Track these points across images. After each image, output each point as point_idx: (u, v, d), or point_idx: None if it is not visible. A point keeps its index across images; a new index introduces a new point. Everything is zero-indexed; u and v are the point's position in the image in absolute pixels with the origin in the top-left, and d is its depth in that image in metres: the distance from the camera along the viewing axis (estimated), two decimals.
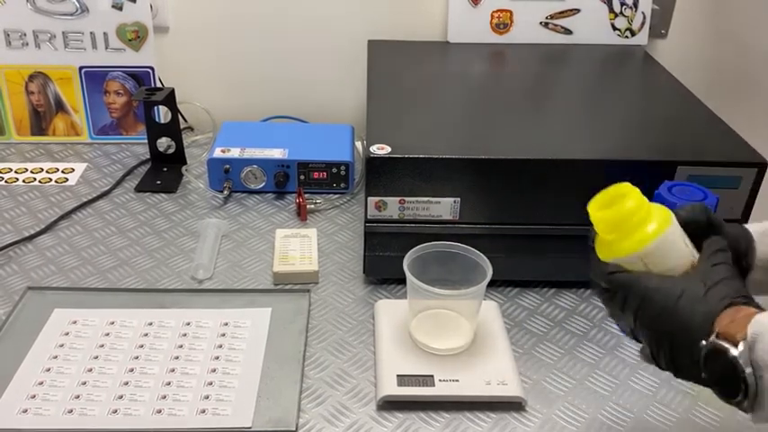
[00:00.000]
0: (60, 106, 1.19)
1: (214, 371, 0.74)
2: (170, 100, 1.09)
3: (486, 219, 0.84)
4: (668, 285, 0.52)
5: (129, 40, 1.14)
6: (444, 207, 0.83)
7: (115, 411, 0.69)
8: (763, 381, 0.46)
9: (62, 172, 1.12)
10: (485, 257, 0.76)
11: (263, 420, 0.69)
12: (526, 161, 0.81)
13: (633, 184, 0.80)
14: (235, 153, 1.06)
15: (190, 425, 0.68)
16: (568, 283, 0.90)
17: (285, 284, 0.89)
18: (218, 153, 1.06)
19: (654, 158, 0.82)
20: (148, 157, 1.14)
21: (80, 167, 1.14)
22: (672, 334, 0.51)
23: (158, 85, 1.18)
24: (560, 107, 0.97)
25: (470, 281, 0.75)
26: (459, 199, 0.83)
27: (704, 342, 0.49)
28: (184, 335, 0.79)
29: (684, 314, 0.50)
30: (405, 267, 0.74)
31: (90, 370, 0.74)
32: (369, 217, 0.84)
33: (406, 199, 0.83)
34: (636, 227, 0.54)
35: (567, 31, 1.22)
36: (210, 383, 0.73)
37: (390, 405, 0.72)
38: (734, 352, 0.47)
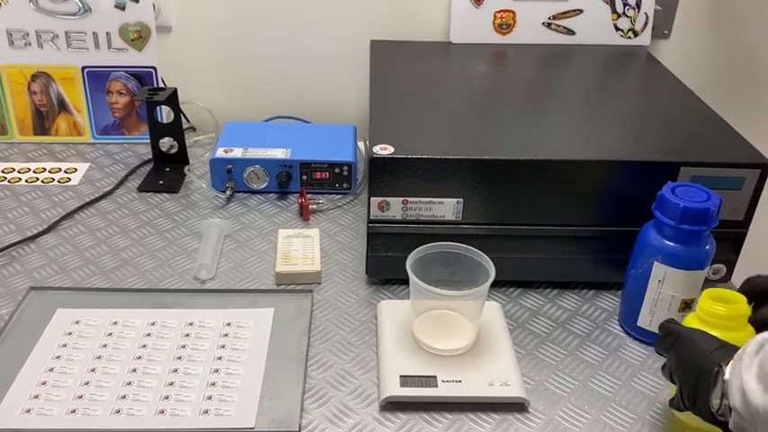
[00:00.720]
0: (63, 106, 1.19)
1: (217, 371, 0.74)
2: (172, 100, 1.09)
3: (488, 219, 0.84)
4: (712, 339, 0.62)
5: (132, 40, 1.14)
6: (447, 207, 0.83)
7: (118, 411, 0.69)
8: (731, 385, 0.54)
9: (65, 172, 1.12)
10: (488, 258, 0.76)
11: (265, 421, 0.69)
12: (529, 162, 0.81)
13: (637, 184, 0.81)
14: (237, 153, 1.06)
15: (192, 425, 0.68)
16: (571, 284, 0.90)
17: (288, 285, 0.89)
18: (220, 153, 1.06)
19: (657, 159, 0.82)
20: (151, 157, 1.15)
21: (83, 167, 1.14)
22: (700, 371, 0.59)
23: (161, 85, 1.18)
24: (563, 108, 0.97)
25: (473, 281, 0.75)
26: (461, 199, 0.83)
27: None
28: (187, 335, 0.79)
29: (716, 359, 0.58)
30: (408, 268, 0.74)
31: (93, 370, 0.74)
32: (372, 217, 0.84)
33: (409, 199, 0.83)
34: (717, 327, 0.66)
35: (570, 32, 1.22)
36: (213, 384, 0.73)
37: (393, 406, 0.72)
38: (723, 366, 0.56)
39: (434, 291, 0.72)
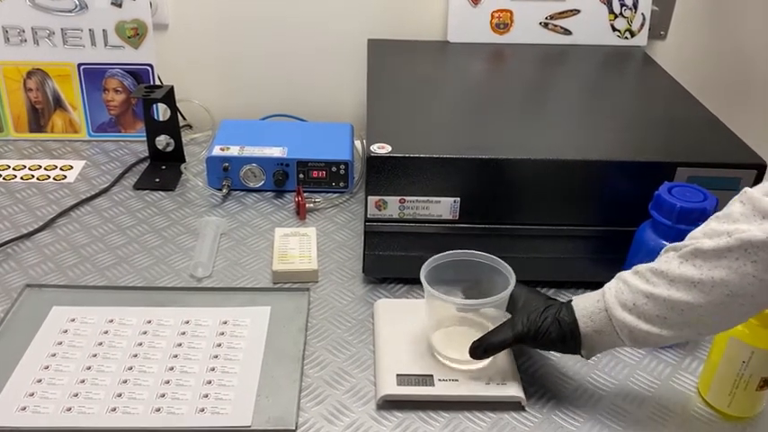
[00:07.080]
0: (59, 103, 1.18)
1: (213, 369, 0.74)
2: (169, 98, 1.09)
3: (485, 218, 0.84)
4: None
5: (129, 38, 1.14)
6: (444, 206, 0.83)
7: (114, 410, 0.69)
8: None
9: (60, 169, 1.12)
10: (506, 264, 0.74)
11: (262, 419, 0.69)
12: (526, 161, 0.81)
13: (633, 184, 0.81)
14: (234, 151, 1.06)
15: (189, 423, 0.68)
16: (568, 284, 0.91)
17: (284, 283, 0.89)
18: (217, 151, 1.06)
19: (653, 160, 0.82)
20: (147, 154, 1.14)
21: (78, 165, 1.14)
22: None
23: (157, 82, 1.17)
24: (560, 108, 0.97)
25: (490, 291, 0.73)
26: (458, 199, 0.83)
27: None
28: (183, 333, 0.79)
29: None
30: (422, 278, 0.71)
31: (88, 368, 0.74)
32: (369, 216, 0.84)
33: (406, 198, 0.83)
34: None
35: (567, 32, 1.22)
36: (210, 382, 0.73)
37: (390, 404, 0.72)
38: None
39: (456, 301, 0.70)
